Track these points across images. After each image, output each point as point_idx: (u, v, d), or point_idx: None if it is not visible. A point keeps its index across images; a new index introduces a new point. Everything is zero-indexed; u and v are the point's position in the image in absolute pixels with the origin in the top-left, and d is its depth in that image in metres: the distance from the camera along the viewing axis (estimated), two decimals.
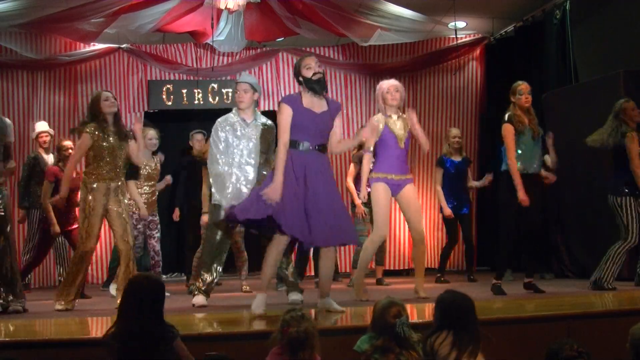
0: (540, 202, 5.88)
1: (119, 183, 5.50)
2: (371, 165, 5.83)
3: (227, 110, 9.24)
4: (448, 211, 7.51)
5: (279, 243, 4.56)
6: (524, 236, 5.83)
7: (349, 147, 4.99)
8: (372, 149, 5.67)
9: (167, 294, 3.27)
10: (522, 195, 5.55)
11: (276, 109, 9.26)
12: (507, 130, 5.71)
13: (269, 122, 5.64)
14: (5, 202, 5.29)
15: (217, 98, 9.20)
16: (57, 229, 6.63)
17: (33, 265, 7.22)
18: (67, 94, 8.89)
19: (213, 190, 5.49)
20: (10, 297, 5.17)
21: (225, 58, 9.24)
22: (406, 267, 9.21)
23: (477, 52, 9.69)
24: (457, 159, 7.69)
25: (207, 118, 9.29)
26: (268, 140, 5.54)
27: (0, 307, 5.19)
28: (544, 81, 8.27)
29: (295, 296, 5.44)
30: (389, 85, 5.69)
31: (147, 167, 6.75)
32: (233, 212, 4.59)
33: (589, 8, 7.88)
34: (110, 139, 5.43)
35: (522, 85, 5.79)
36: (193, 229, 7.74)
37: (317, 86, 4.69)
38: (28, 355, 3.36)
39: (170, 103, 9.11)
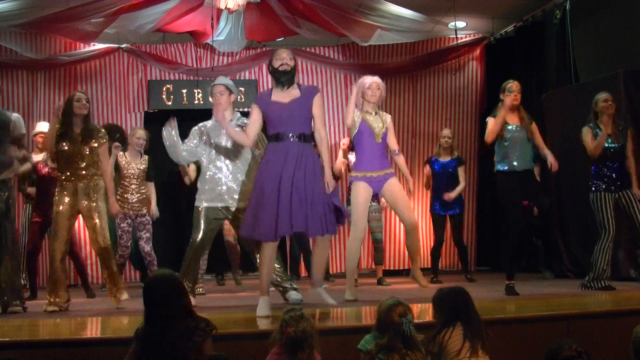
0: (534, 200, 5.92)
1: (90, 183, 5.42)
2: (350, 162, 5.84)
3: None
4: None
5: (265, 249, 4.56)
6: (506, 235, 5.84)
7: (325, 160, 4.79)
8: (347, 141, 5.63)
9: None
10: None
11: None
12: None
13: (247, 121, 5.65)
14: (9, 197, 5.32)
15: None
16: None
17: (34, 255, 6.98)
18: (67, 94, 8.82)
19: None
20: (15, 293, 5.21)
21: (225, 58, 9.24)
22: (406, 267, 9.20)
23: (477, 52, 9.69)
24: (445, 159, 7.71)
25: (207, 118, 9.22)
26: None
27: (0, 307, 5.19)
28: (544, 81, 8.27)
29: (295, 296, 5.44)
30: (371, 81, 5.67)
31: (132, 166, 6.79)
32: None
33: (589, 8, 7.87)
34: (72, 141, 5.37)
35: (512, 84, 5.82)
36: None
37: (282, 77, 4.71)
38: (28, 355, 3.37)
39: (170, 103, 9.11)
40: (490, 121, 5.80)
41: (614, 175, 5.92)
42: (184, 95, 9.13)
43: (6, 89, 8.69)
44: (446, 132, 7.87)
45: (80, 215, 5.48)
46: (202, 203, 5.35)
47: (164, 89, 9.09)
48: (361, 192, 5.55)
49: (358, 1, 7.80)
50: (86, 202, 5.38)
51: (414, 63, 9.48)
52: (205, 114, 9.23)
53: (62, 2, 7.43)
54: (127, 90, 9.02)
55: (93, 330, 4.38)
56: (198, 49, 9.18)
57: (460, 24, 8.92)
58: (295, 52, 9.18)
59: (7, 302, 5.19)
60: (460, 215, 7.85)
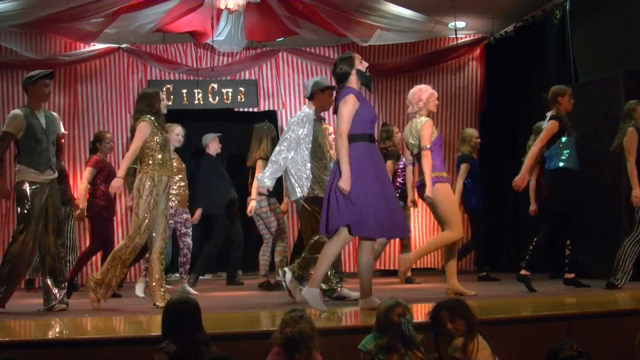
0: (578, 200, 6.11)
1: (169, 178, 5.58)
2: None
3: (228, 110, 9.33)
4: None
5: (344, 241, 4.58)
6: (570, 233, 6.04)
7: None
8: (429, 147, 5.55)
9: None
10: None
11: (276, 109, 9.32)
12: (555, 126, 5.93)
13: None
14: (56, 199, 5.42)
15: (217, 98, 9.19)
16: (82, 214, 6.85)
17: (89, 256, 7.12)
18: (67, 94, 8.88)
19: (295, 187, 5.60)
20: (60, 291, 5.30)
21: (225, 58, 9.23)
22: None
23: (477, 52, 9.69)
24: (476, 157, 7.79)
25: (207, 118, 9.32)
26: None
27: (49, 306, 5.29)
28: (544, 81, 8.26)
29: (348, 292, 5.55)
30: (432, 90, 5.78)
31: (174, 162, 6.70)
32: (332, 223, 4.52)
33: (589, 8, 7.87)
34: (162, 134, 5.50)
35: (570, 90, 6.08)
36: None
37: (370, 82, 4.77)
38: (28, 355, 3.37)
39: (170, 103, 9.07)
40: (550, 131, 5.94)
41: None
42: (184, 95, 9.13)
43: (6, 89, 8.69)
44: (475, 132, 7.80)
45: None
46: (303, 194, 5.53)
47: (164, 89, 9.07)
48: (451, 191, 5.69)
49: (358, 1, 7.80)
50: (164, 203, 5.44)
51: (414, 63, 9.48)
52: (205, 114, 9.30)
53: (62, 2, 7.43)
54: (127, 90, 9.01)
55: (93, 330, 4.38)
56: (198, 49, 9.18)
57: (460, 24, 8.92)
58: (295, 52, 9.32)
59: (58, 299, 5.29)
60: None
